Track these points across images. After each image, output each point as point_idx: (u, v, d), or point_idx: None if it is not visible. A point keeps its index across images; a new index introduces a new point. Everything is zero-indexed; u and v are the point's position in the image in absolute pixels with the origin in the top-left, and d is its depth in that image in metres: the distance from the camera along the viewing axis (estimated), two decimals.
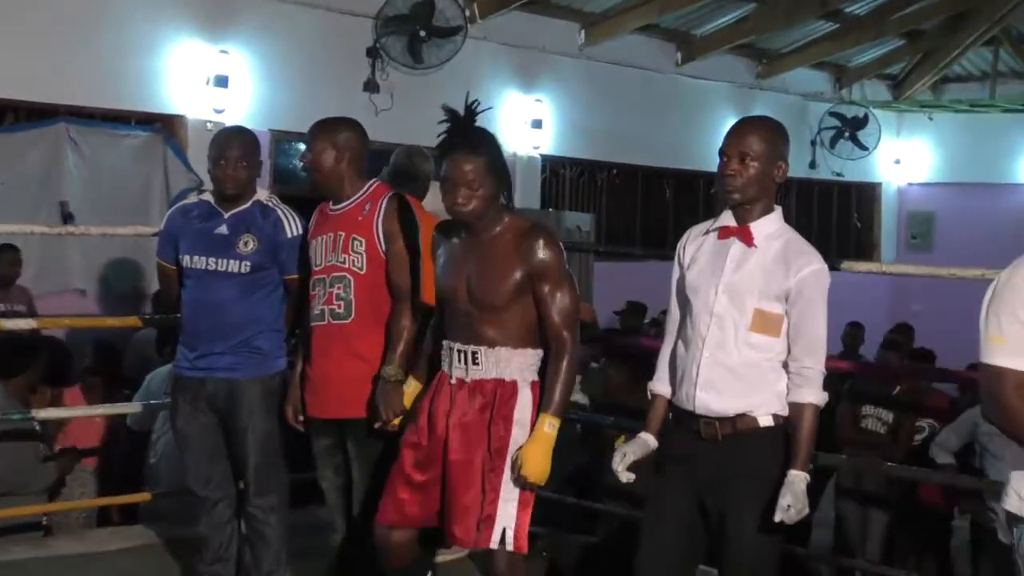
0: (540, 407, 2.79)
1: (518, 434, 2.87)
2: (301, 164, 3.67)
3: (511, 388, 2.90)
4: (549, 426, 2.74)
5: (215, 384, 3.50)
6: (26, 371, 4.74)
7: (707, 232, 2.83)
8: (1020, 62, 11.53)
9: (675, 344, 2.85)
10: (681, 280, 2.84)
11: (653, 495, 2.86)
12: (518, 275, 2.86)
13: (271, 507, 3.56)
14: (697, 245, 2.85)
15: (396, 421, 3.20)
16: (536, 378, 2.98)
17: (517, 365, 2.96)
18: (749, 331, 2.66)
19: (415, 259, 3.33)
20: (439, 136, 2.84)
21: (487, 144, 2.95)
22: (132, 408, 4.86)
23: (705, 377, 2.68)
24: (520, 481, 2.81)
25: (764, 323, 2.67)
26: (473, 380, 2.93)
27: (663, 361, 2.91)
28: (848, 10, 10.42)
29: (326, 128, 3.45)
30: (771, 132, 2.79)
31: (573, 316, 2.95)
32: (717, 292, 2.72)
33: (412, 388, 3.21)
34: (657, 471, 2.86)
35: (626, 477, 2.79)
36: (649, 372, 2.99)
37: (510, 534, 2.84)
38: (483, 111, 2.96)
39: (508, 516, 2.83)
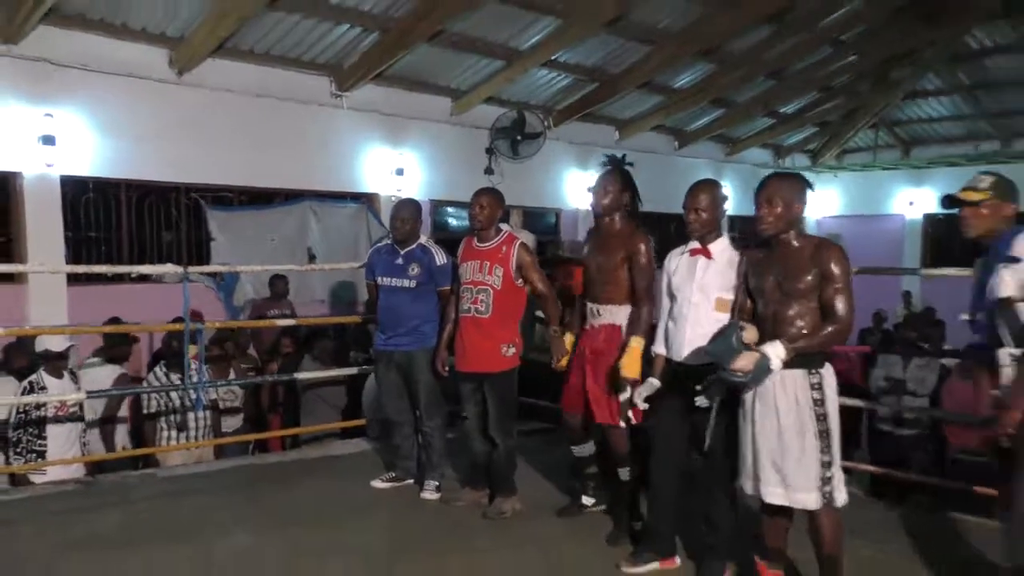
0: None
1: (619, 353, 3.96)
2: (471, 213, 4.63)
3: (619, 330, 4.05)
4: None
5: (399, 354, 4.93)
6: (323, 344, 6.91)
7: (682, 253, 3.76)
8: (892, 139, 16.40)
9: (668, 317, 3.76)
10: (668, 282, 3.75)
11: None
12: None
13: (436, 427, 4.97)
14: (676, 262, 3.77)
15: (564, 361, 4.32)
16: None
17: (623, 316, 4.04)
18: (713, 311, 3.56)
19: (543, 274, 4.57)
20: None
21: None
22: (352, 371, 6.79)
23: (687, 338, 3.58)
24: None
25: (721, 305, 3.56)
26: (599, 325, 4.09)
27: (660, 330, 3.81)
28: (782, 110, 14.63)
29: (490, 192, 4.70)
30: (712, 189, 3.73)
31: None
32: (693, 289, 3.62)
33: (568, 339, 4.38)
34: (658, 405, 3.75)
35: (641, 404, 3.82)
36: None
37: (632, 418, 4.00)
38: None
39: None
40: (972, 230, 3.19)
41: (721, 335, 3.22)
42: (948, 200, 3.23)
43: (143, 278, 8.35)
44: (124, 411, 6.34)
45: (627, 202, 4.14)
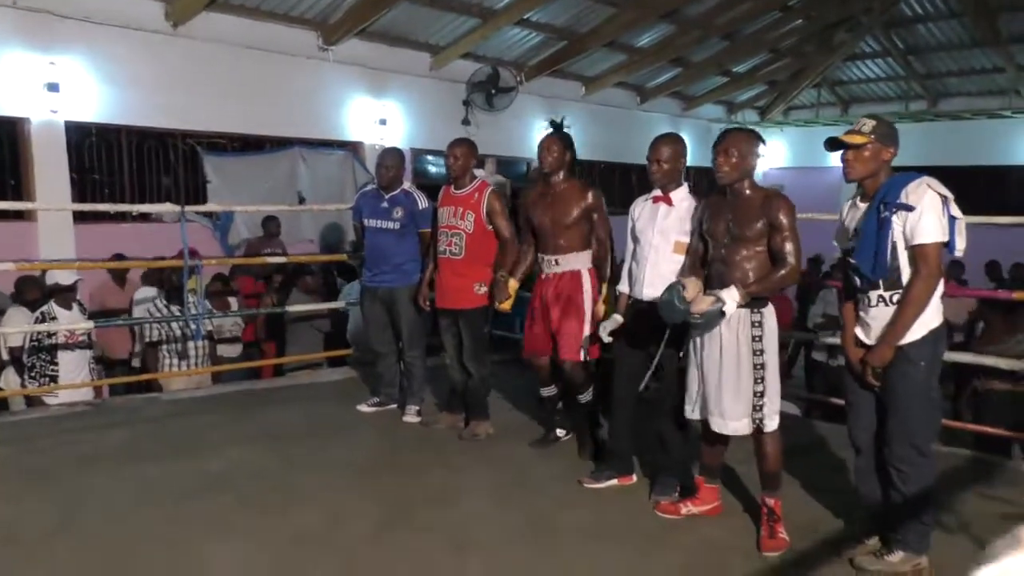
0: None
1: (587, 297, 3.98)
2: (447, 163, 4.61)
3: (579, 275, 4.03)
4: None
5: (383, 290, 4.93)
6: (305, 280, 6.80)
7: (645, 200, 3.73)
8: (833, 97, 16.18)
9: (632, 258, 3.71)
10: (632, 226, 3.72)
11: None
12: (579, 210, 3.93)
13: (417, 356, 5.00)
14: (640, 208, 3.75)
15: (507, 304, 4.30)
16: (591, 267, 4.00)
17: (581, 261, 4.01)
18: (672, 252, 3.58)
19: (508, 221, 4.46)
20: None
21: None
22: (338, 304, 6.71)
23: (648, 278, 3.56)
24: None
25: (679, 248, 3.57)
26: (560, 272, 4.06)
27: (624, 271, 3.76)
28: (734, 69, 14.37)
29: (464, 143, 4.61)
30: (674, 143, 3.65)
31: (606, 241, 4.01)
32: (654, 232, 3.62)
33: (512, 284, 4.31)
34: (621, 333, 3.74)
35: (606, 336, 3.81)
36: None
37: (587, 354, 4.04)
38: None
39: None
40: (854, 173, 2.97)
41: (667, 293, 3.19)
42: (831, 143, 2.98)
43: (144, 217, 8.19)
44: None
45: (569, 159, 4.10)
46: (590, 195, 4.02)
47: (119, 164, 8.42)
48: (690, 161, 3.86)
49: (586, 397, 4.25)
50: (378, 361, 5.21)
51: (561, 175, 4.11)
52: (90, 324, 5.81)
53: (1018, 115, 14.44)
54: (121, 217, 8.07)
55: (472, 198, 4.52)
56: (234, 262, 7.83)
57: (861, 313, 3.04)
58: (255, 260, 7.60)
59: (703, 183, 14.63)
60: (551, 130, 4.21)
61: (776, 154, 17.04)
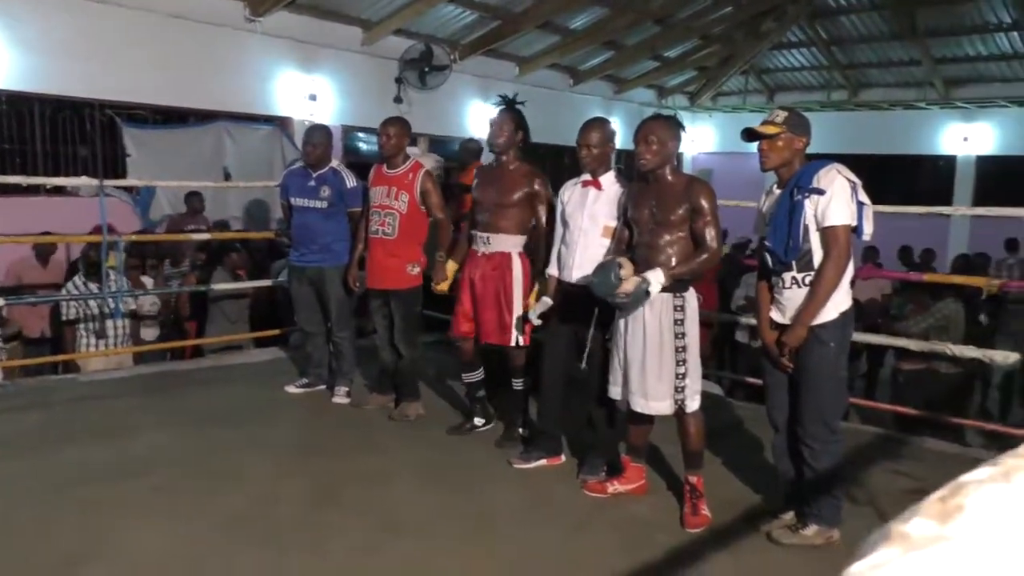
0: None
1: (516, 282, 3.97)
2: (380, 143, 4.55)
3: (509, 257, 4.01)
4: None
5: (311, 269, 4.89)
6: (231, 257, 6.58)
7: (575, 184, 3.79)
8: (760, 85, 16.43)
9: (561, 242, 3.77)
10: (562, 210, 3.78)
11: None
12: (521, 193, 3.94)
13: (346, 337, 4.99)
14: (570, 192, 3.79)
15: (444, 285, 4.34)
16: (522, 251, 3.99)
17: (512, 244, 4.03)
18: (601, 236, 3.65)
19: (442, 201, 4.53)
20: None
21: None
22: (267, 283, 6.59)
23: (577, 261, 3.64)
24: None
25: (608, 232, 3.62)
26: (489, 252, 4.06)
27: (553, 254, 3.82)
28: (665, 55, 14.54)
29: (398, 122, 4.58)
30: (602, 128, 3.72)
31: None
32: (584, 217, 3.68)
33: (451, 265, 4.36)
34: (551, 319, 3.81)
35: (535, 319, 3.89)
36: None
37: (521, 340, 4.03)
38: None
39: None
40: (768, 162, 3.11)
41: (602, 269, 3.23)
42: (747, 133, 3.12)
43: (59, 191, 7.88)
44: None
45: (520, 139, 4.07)
46: (536, 183, 4.01)
47: (31, 134, 8.05)
48: (621, 143, 3.90)
49: (519, 384, 4.25)
50: (307, 341, 5.16)
51: (511, 155, 4.08)
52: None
53: (932, 106, 15.03)
54: (34, 190, 7.73)
55: (406, 179, 4.51)
56: (155, 239, 7.59)
57: (776, 295, 3.17)
58: (177, 237, 7.38)
59: (633, 166, 14.84)
60: (503, 106, 4.15)
61: (705, 139, 17.41)
